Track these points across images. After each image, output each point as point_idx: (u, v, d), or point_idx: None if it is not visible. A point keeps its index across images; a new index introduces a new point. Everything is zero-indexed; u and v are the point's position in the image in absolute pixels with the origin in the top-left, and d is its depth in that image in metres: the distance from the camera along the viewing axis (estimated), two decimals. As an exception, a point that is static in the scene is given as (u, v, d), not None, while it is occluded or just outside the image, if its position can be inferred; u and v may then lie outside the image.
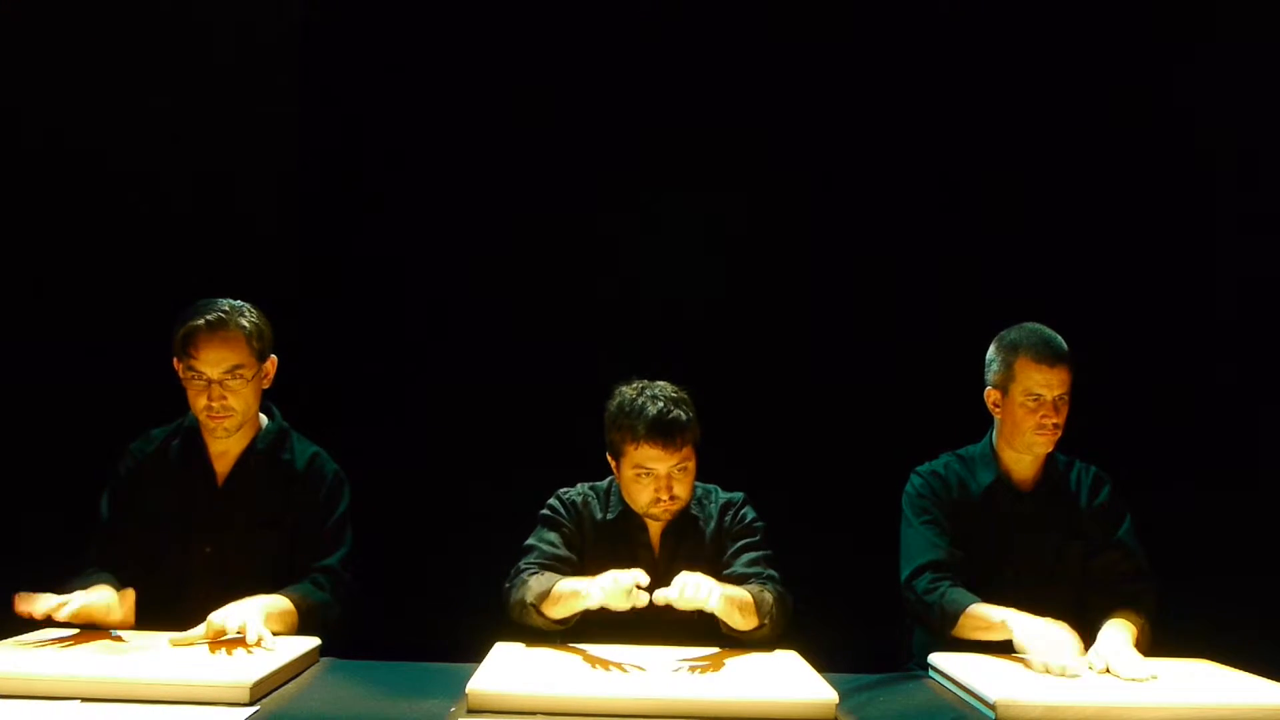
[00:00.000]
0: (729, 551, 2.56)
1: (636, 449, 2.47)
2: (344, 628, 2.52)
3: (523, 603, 2.39)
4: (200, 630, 2.20)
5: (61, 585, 2.31)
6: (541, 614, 2.36)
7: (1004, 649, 2.36)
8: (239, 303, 2.52)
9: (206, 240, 3.30)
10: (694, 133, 3.41)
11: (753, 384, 3.36)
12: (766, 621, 2.38)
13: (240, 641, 2.19)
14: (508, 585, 2.49)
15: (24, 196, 3.28)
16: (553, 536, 2.55)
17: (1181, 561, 2.90)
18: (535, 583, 2.40)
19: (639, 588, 2.18)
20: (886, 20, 3.44)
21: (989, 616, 2.40)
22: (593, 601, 2.24)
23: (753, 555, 2.54)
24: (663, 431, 2.44)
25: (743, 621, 2.36)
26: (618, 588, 2.19)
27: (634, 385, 2.55)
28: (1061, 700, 2.00)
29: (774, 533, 2.62)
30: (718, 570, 2.50)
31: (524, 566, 2.50)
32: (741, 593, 2.39)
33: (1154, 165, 3.40)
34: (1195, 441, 3.30)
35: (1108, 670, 2.22)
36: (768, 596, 2.41)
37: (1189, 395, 3.33)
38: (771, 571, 2.52)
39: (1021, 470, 2.67)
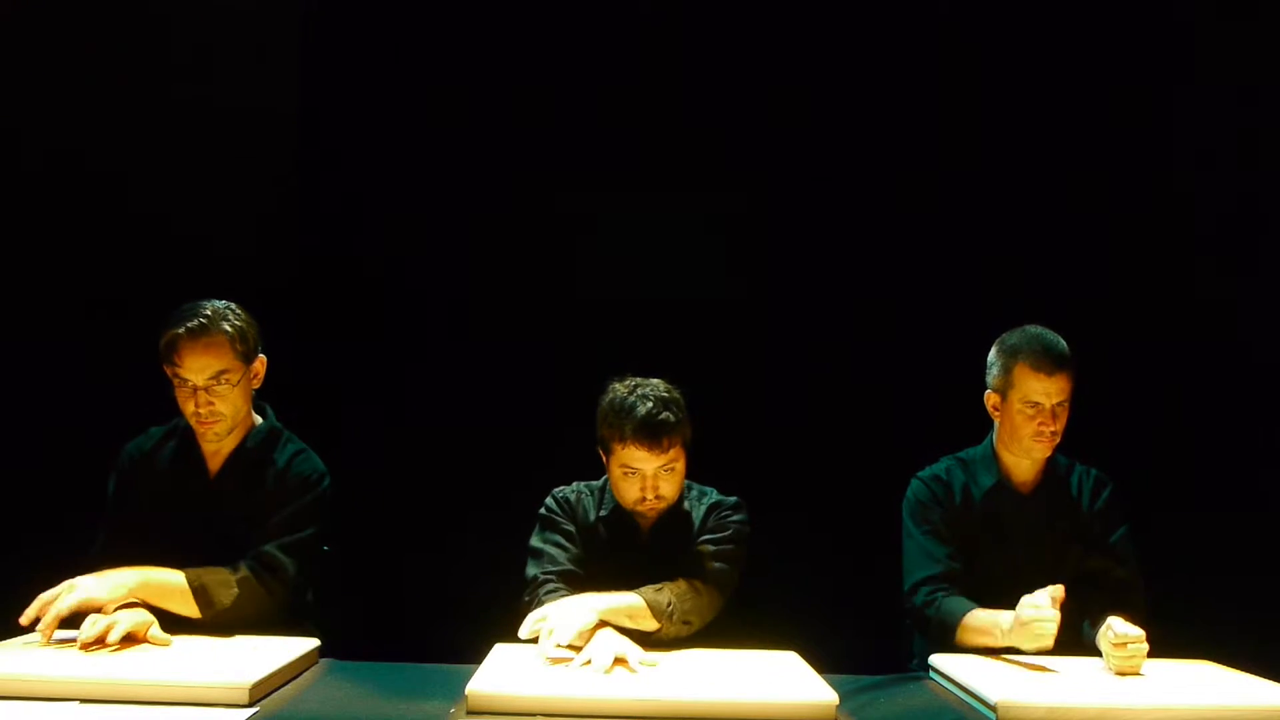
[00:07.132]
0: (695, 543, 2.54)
1: (624, 448, 2.46)
2: (271, 618, 2.42)
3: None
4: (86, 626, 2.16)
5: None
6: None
7: (1005, 650, 2.36)
8: (222, 304, 2.47)
9: (206, 240, 3.29)
10: (694, 132, 3.40)
11: (752, 386, 3.36)
12: (665, 622, 2.34)
13: (134, 641, 2.18)
14: (527, 599, 2.44)
15: (21, 196, 3.28)
16: (557, 538, 2.54)
17: (1181, 562, 2.90)
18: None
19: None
20: (889, 20, 3.43)
21: (982, 623, 2.39)
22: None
23: (710, 550, 2.49)
24: (650, 433, 2.42)
25: (639, 625, 2.32)
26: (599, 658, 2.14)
27: (626, 383, 2.52)
28: (1062, 701, 2.00)
29: (773, 533, 2.62)
30: None
31: (541, 579, 2.46)
32: (629, 600, 2.33)
33: (1155, 164, 3.40)
34: (1196, 441, 3.30)
35: (1110, 630, 2.22)
36: (663, 597, 2.35)
37: (1189, 395, 3.33)
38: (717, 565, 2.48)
39: (1022, 473, 2.67)
